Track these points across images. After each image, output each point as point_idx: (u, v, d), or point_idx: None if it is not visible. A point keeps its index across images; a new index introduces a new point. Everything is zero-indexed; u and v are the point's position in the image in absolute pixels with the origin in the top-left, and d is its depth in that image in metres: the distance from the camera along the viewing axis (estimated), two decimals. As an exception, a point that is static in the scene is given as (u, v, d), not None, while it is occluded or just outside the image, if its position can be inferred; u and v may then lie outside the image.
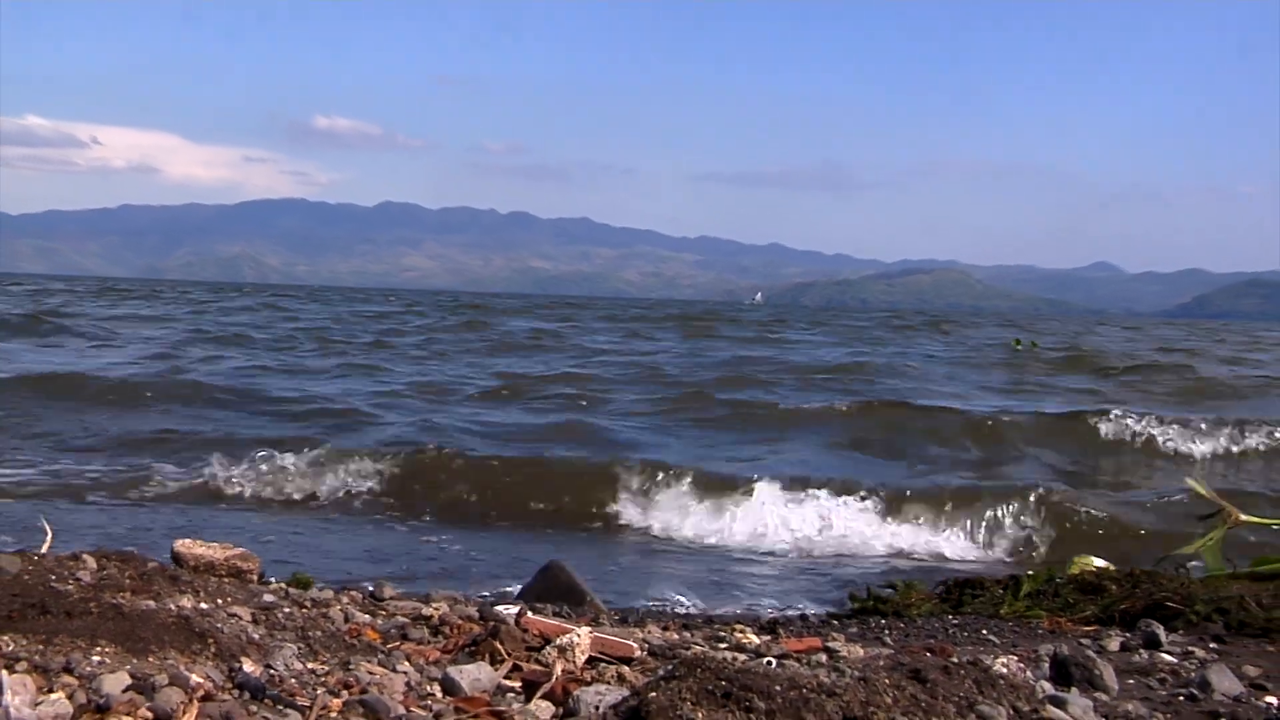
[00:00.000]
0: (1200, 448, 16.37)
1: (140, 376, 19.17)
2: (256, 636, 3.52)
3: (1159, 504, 11.53)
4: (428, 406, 17.44)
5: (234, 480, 11.24)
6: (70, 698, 2.84)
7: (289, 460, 11.61)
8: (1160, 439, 16.60)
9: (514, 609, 4.33)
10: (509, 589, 7.12)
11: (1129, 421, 16.95)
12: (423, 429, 14.42)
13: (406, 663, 3.52)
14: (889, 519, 10.59)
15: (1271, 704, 3.53)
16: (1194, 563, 6.02)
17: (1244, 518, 6.50)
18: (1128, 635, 4.50)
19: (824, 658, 3.93)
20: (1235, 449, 16.38)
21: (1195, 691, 3.64)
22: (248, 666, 3.21)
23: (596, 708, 2.86)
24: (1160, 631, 4.43)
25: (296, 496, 11.20)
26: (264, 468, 11.47)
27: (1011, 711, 2.42)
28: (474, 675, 3.30)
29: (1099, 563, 5.82)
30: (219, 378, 19.89)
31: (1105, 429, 16.91)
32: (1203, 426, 16.78)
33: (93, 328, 33.46)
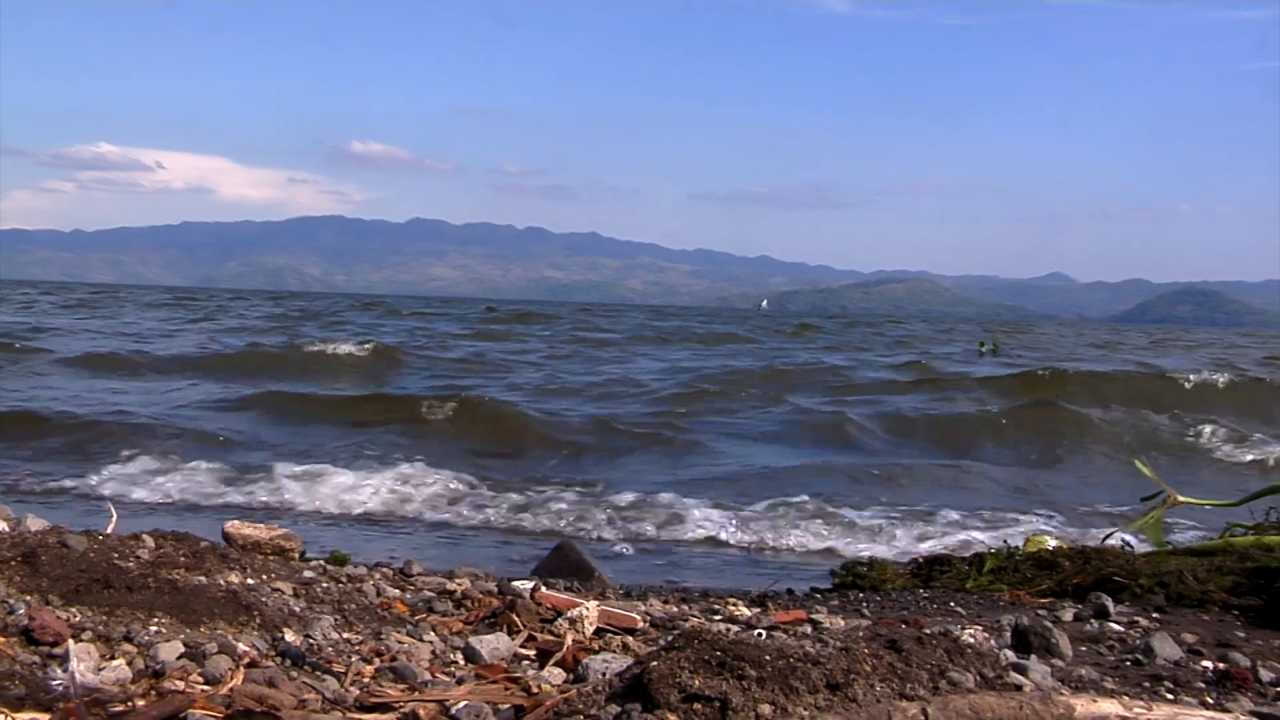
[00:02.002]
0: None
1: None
2: (297, 609, 3.50)
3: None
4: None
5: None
6: (130, 664, 2.83)
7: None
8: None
9: (529, 584, 4.31)
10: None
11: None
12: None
13: (432, 633, 3.50)
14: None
15: (1207, 667, 3.53)
16: (1140, 539, 6.01)
17: (1181, 499, 6.48)
18: (1080, 607, 4.48)
19: (809, 629, 3.91)
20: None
21: (1140, 657, 3.64)
22: (289, 636, 3.20)
23: (603, 674, 2.84)
24: (1109, 603, 4.41)
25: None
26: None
27: (978, 677, 2.39)
28: (493, 645, 3.28)
29: (1052, 542, 5.80)
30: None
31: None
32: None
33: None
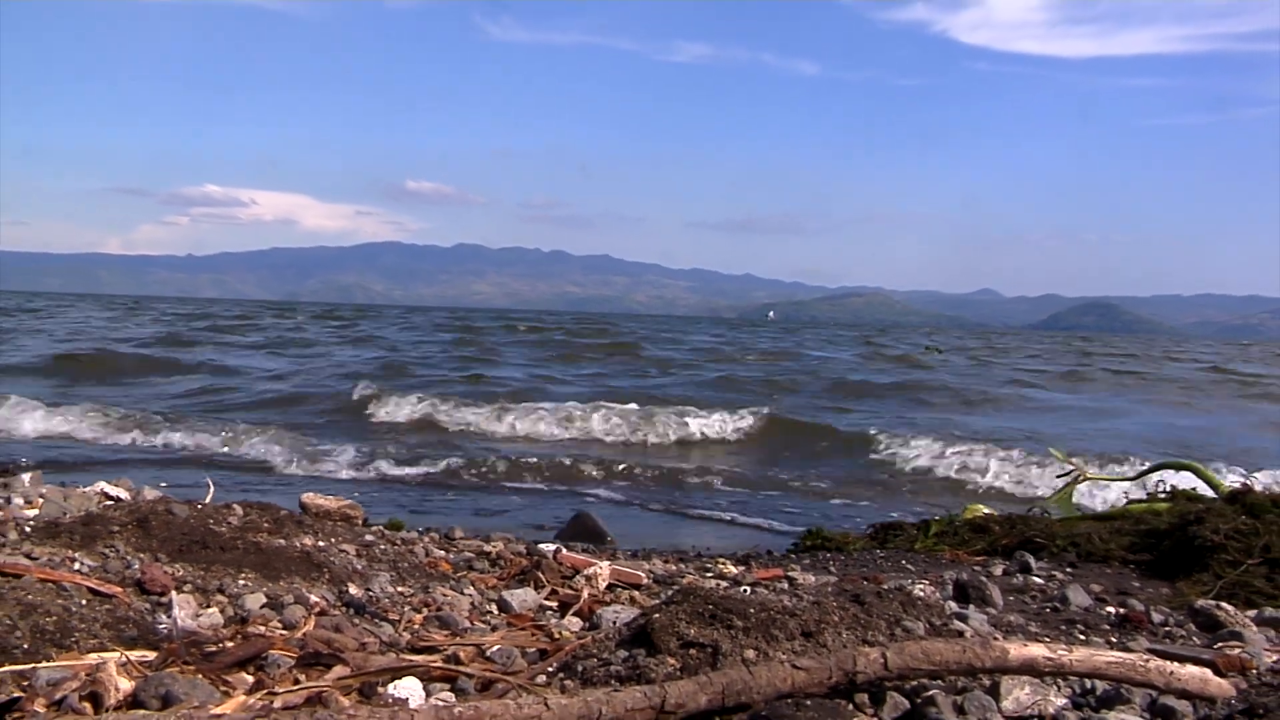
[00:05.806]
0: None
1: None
2: (360, 567, 3.45)
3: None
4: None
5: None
6: (221, 612, 2.80)
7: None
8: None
9: (552, 547, 4.25)
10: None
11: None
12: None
13: (471, 588, 3.44)
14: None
15: (1111, 612, 3.50)
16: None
17: (1090, 474, 6.42)
18: (1008, 563, 4.44)
19: (786, 585, 3.84)
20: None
21: (1058, 605, 3.60)
22: (353, 590, 3.14)
23: (614, 623, 2.78)
24: (1031, 560, 4.37)
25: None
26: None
27: (928, 625, 2.33)
28: (522, 597, 3.23)
29: (985, 510, 5.75)
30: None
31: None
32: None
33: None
